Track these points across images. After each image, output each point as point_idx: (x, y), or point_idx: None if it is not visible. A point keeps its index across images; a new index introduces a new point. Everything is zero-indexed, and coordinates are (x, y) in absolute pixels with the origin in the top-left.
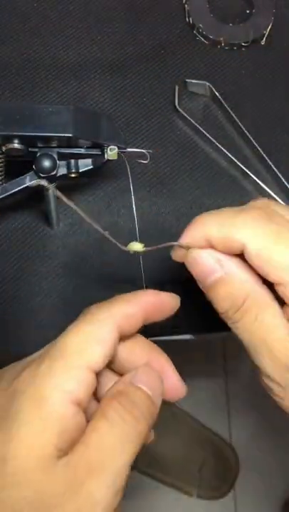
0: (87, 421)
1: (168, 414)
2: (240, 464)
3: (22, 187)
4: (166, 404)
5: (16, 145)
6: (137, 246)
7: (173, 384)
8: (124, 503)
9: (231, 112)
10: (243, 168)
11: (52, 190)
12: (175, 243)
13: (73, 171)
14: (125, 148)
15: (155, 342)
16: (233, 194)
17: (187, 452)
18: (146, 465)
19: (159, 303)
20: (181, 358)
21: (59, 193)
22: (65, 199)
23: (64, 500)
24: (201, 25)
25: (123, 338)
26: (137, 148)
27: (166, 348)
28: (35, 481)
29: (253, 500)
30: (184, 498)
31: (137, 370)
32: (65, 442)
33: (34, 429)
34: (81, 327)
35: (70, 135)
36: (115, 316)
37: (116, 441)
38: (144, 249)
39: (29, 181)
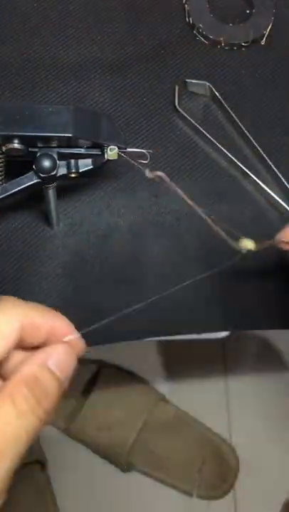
0: None
1: (168, 414)
2: (240, 464)
3: (22, 187)
4: (166, 404)
5: (16, 145)
6: (249, 244)
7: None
8: (124, 503)
9: (231, 112)
10: (243, 168)
11: (52, 191)
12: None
13: (73, 171)
14: (125, 148)
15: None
16: (233, 194)
17: (187, 452)
18: (146, 465)
19: (67, 333)
20: (181, 358)
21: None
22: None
23: None
24: (201, 25)
25: (20, 346)
26: (137, 148)
27: (167, 347)
28: None
29: (253, 500)
30: (184, 498)
31: (56, 349)
32: None
33: None
34: None
35: (70, 135)
36: (25, 318)
37: (21, 432)
38: (257, 247)
39: (29, 181)
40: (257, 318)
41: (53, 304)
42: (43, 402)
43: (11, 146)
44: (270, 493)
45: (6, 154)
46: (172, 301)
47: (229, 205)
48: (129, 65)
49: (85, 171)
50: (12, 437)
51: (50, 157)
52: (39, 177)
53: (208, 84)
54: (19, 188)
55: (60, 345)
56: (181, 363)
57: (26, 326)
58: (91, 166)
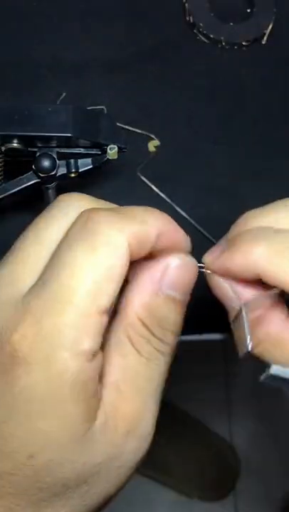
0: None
1: (168, 415)
2: (240, 465)
3: (22, 187)
4: (167, 405)
5: (16, 145)
6: None
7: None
8: (124, 505)
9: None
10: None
11: (52, 191)
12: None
13: (73, 170)
14: (125, 148)
15: None
16: (233, 194)
17: (187, 453)
18: (147, 466)
19: (174, 234)
20: (181, 358)
21: None
22: None
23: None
24: (201, 24)
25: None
26: (137, 147)
27: None
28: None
29: (253, 501)
30: (185, 499)
31: (168, 268)
32: (93, 408)
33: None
34: (94, 257)
35: (69, 135)
36: (128, 239)
37: (153, 386)
38: None
39: (29, 181)
40: None
41: None
42: (168, 337)
43: (10, 146)
44: (271, 494)
45: (5, 154)
46: None
47: (229, 205)
48: (129, 64)
49: (85, 170)
50: (148, 395)
51: (50, 157)
52: (39, 177)
53: None
54: (19, 188)
55: (174, 257)
56: (182, 363)
57: (133, 246)
58: (91, 166)
